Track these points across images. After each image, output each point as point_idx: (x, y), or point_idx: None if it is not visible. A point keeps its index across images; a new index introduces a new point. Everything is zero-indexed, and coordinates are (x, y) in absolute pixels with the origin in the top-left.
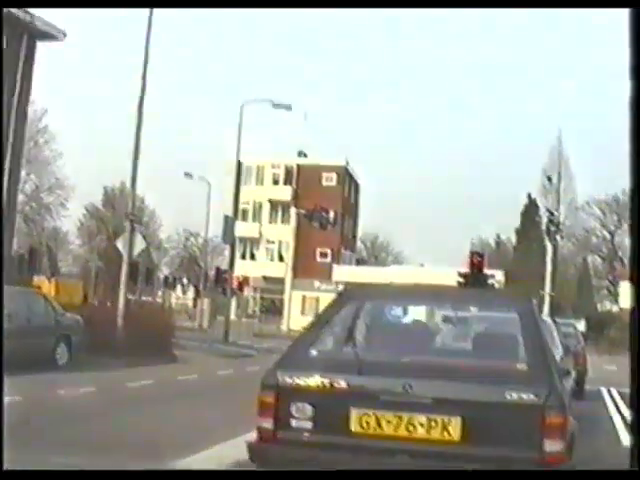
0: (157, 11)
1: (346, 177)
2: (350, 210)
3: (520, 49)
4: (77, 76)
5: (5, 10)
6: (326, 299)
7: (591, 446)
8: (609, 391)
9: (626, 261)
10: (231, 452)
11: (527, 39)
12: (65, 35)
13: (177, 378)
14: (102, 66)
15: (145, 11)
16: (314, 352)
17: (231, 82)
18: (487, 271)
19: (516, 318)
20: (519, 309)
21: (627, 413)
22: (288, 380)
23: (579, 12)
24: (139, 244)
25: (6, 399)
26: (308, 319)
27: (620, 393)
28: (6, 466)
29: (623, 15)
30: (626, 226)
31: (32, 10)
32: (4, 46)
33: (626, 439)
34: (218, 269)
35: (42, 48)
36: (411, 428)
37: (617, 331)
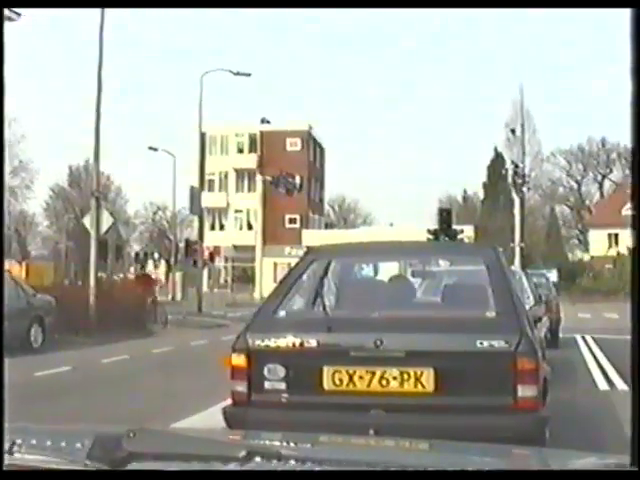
0: None
1: (310, 141)
2: (316, 174)
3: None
4: (35, 56)
5: None
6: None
7: (567, 391)
8: (584, 338)
9: (593, 210)
10: (208, 421)
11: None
12: (19, 15)
13: (152, 351)
14: (59, 43)
15: None
16: (283, 313)
17: (190, 53)
18: (456, 226)
19: (483, 268)
20: (485, 258)
21: (602, 358)
22: (258, 342)
23: None
24: (106, 221)
25: None
26: None
27: (595, 339)
28: (6, 466)
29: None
30: (592, 175)
31: None
32: None
33: (602, 383)
34: (187, 241)
35: None
36: (384, 382)
37: (589, 279)
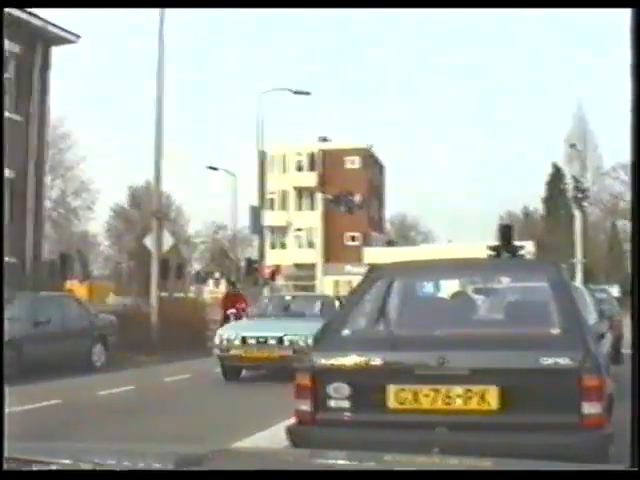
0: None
1: (369, 159)
2: (375, 192)
3: (536, 25)
4: (94, 77)
5: (16, 15)
6: (358, 282)
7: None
8: None
9: None
10: (271, 439)
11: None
12: (79, 37)
13: (214, 370)
14: (118, 65)
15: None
16: (347, 332)
17: (250, 73)
18: (517, 243)
19: (546, 284)
20: (548, 275)
21: None
22: (323, 361)
23: None
24: (168, 241)
25: (46, 403)
26: None
27: None
28: (6, 466)
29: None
30: None
31: (44, 15)
32: (18, 52)
33: None
34: (249, 260)
35: (57, 52)
36: (448, 400)
37: None
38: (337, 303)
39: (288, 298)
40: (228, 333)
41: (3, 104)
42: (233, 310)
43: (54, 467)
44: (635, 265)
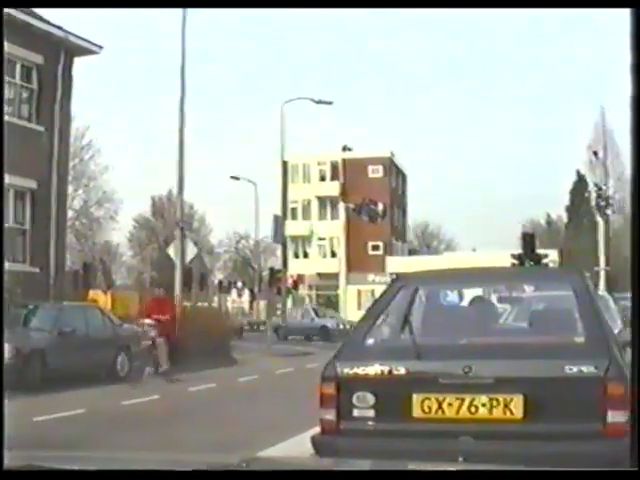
0: (191, 16)
1: (392, 168)
2: (398, 201)
3: (547, 33)
4: (116, 88)
5: (38, 27)
6: (381, 291)
7: None
8: None
9: None
10: (296, 448)
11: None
12: (101, 48)
13: (238, 380)
14: (140, 75)
15: (178, 16)
16: (371, 341)
17: (271, 82)
18: (540, 251)
19: (570, 293)
20: (572, 283)
21: None
22: (347, 370)
23: None
24: (191, 250)
25: (70, 412)
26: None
27: None
28: (6, 466)
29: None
30: None
31: (67, 26)
32: (41, 63)
33: None
34: (272, 270)
35: (79, 63)
36: (473, 409)
37: None
38: None
39: None
40: None
41: (3, 105)
42: (148, 320)
43: (54, 468)
44: (635, 267)
